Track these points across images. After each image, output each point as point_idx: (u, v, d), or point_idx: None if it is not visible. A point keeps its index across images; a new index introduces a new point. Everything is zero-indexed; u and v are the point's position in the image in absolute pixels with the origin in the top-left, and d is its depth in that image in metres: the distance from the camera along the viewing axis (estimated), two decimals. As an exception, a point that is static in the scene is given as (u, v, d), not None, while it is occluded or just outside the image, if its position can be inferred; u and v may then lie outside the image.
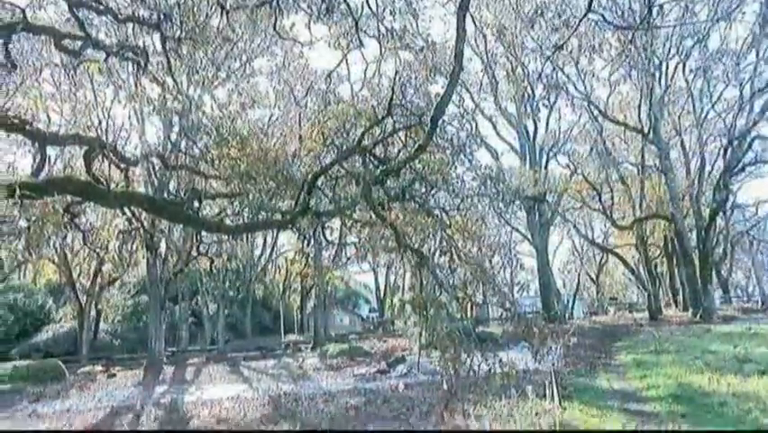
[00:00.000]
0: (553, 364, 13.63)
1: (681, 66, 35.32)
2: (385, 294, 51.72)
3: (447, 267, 12.45)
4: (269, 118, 28.80)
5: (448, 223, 14.38)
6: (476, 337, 12.13)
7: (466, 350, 9.94)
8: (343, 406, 13.36)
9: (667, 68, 35.13)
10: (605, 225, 46.24)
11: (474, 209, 20.09)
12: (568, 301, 44.77)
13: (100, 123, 26.14)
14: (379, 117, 13.64)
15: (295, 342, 34.25)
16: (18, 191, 7.44)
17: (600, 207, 36.94)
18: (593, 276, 54.08)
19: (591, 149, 37.29)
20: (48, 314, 39.00)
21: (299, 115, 21.77)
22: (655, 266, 41.32)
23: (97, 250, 27.55)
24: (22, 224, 12.14)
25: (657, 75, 34.14)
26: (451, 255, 12.44)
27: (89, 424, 13.82)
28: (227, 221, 14.07)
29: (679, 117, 38.05)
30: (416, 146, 12.11)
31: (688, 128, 38.67)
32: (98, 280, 32.48)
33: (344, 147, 13.56)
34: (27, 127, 10.13)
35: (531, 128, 38.66)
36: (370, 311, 57.32)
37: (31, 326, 37.06)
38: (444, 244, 12.85)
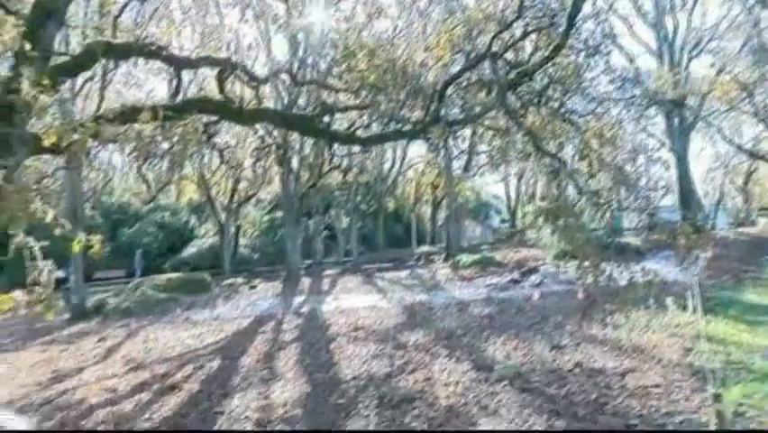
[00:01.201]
0: (696, 276, 13.05)
1: None
2: (516, 204, 50.93)
3: (585, 173, 12.02)
4: (395, 29, 28.41)
5: (584, 128, 13.81)
6: (614, 246, 11.76)
7: (604, 259, 9.67)
8: (477, 315, 13.48)
9: None
10: (756, 130, 42.64)
11: (609, 114, 19.19)
12: (710, 211, 42.47)
13: (229, 44, 26.73)
14: (509, 21, 13.10)
15: (427, 253, 34.60)
16: (161, 113, 7.76)
17: (752, 108, 34.04)
18: (739, 185, 50.79)
19: (743, 45, 34.02)
20: (192, 231, 41.61)
21: (425, 24, 21.31)
22: (816, 174, 37.98)
23: (233, 168, 28.76)
24: (165, 146, 12.78)
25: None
26: (589, 161, 11.98)
27: (236, 331, 14.76)
28: (358, 133, 14.18)
29: None
30: (553, 46, 11.54)
31: None
32: (235, 197, 33.99)
33: (473, 54, 13.18)
34: (163, 53, 10.48)
35: (670, 26, 35.80)
36: (501, 222, 56.91)
37: (178, 241, 39.70)
38: (582, 148, 12.38)
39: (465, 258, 25.04)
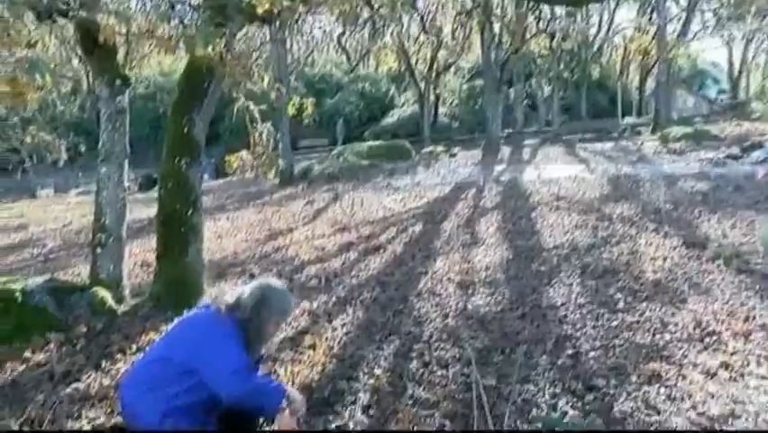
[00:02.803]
0: None
1: None
2: (740, 72, 45.98)
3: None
4: None
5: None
6: None
7: None
8: (688, 190, 12.65)
9: None
10: None
11: None
12: None
13: None
14: None
15: (633, 125, 32.76)
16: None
17: None
18: None
19: None
20: (391, 100, 42.45)
21: None
22: None
23: (433, 35, 28.43)
24: (364, 14, 12.81)
25: None
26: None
27: (437, 197, 15.06)
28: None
29: None
30: None
31: None
32: (435, 65, 33.76)
33: None
34: None
35: None
36: (718, 93, 52.10)
37: (377, 110, 40.78)
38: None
39: (675, 130, 23.35)
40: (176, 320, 3.94)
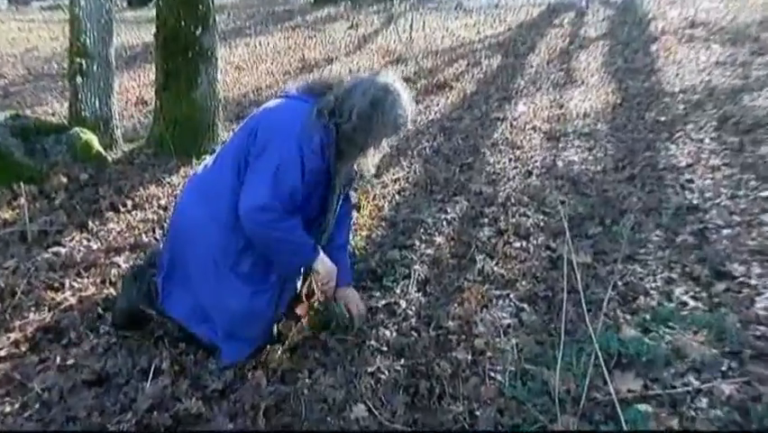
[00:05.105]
0: None
1: None
2: None
3: None
4: None
5: None
6: None
7: None
8: None
9: None
10: None
11: None
12: None
13: None
14: None
15: None
16: None
17: None
18: None
19: None
20: None
21: None
22: None
23: None
24: None
25: None
26: None
27: (522, 22, 14.35)
28: None
29: None
30: None
31: None
32: None
33: None
34: None
35: None
36: None
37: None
38: None
39: None
40: (255, 110, 3.36)
